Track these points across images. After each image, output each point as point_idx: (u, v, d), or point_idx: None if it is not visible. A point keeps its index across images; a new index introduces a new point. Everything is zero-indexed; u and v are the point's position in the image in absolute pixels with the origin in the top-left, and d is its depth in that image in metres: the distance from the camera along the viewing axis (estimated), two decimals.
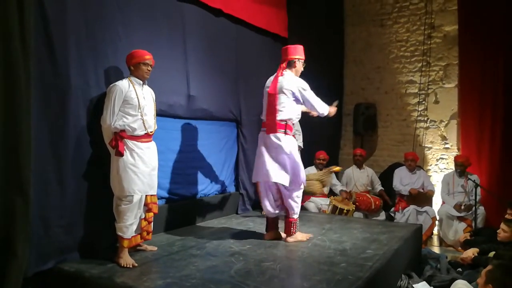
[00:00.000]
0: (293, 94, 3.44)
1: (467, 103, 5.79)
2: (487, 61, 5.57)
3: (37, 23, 2.70)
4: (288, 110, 3.44)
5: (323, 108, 3.61)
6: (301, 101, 3.52)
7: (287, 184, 3.45)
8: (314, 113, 3.68)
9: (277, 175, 3.42)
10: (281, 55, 3.60)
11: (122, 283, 2.52)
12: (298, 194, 3.54)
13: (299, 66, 3.57)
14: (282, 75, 3.49)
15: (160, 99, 3.64)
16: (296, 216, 3.55)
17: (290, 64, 3.53)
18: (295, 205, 3.53)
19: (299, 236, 3.57)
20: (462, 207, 5.13)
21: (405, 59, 6.45)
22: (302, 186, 3.56)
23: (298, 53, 3.55)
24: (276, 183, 3.49)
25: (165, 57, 3.74)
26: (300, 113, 3.60)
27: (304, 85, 3.49)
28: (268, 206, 3.60)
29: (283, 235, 3.63)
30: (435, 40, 6.16)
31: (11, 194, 2.52)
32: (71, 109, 2.93)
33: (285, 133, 3.42)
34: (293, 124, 3.51)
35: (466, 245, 4.41)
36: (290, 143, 3.45)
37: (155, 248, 3.24)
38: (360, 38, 6.87)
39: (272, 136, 3.42)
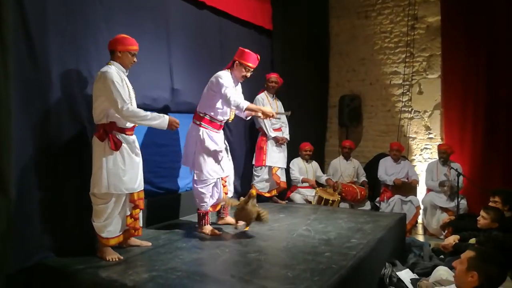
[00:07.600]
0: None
1: (450, 93, 5.85)
2: (469, 52, 5.62)
3: (16, 19, 2.65)
4: None
5: None
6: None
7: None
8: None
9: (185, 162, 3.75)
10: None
11: (107, 277, 2.52)
12: (200, 187, 3.56)
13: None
14: None
15: (144, 93, 3.62)
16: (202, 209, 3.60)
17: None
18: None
19: (207, 229, 3.55)
20: (446, 184, 5.21)
21: (389, 50, 6.49)
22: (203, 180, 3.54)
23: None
24: None
25: (148, 50, 3.71)
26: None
27: None
28: None
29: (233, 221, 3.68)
30: (419, 31, 6.21)
31: None
32: (52, 105, 2.90)
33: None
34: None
35: (446, 226, 4.51)
36: None
37: (150, 244, 3.18)
38: (345, 30, 6.89)
39: None
